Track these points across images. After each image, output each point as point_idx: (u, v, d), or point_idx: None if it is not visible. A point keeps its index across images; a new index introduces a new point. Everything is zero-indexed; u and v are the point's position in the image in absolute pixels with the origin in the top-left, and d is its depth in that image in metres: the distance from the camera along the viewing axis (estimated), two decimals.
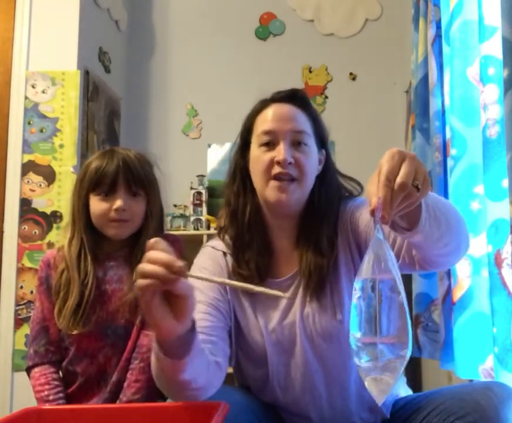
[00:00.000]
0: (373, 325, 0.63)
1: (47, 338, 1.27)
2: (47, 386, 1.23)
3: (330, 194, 1.06)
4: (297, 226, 1.06)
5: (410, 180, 0.64)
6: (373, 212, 0.64)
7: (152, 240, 0.71)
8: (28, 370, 1.27)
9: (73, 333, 1.23)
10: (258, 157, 1.02)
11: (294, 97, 1.05)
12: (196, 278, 0.74)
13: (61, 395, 1.24)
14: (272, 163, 1.00)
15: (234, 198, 1.09)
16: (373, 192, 0.65)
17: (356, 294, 0.65)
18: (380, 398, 0.64)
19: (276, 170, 0.99)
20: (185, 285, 0.70)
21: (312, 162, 1.03)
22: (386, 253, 0.64)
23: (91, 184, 1.24)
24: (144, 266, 0.68)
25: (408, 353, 0.63)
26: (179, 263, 0.68)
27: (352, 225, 1.02)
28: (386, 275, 0.64)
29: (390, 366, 0.63)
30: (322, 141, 1.08)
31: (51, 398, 1.22)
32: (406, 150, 0.67)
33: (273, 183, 0.99)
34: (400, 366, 0.63)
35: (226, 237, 1.10)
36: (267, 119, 1.03)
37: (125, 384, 1.20)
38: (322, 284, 1.00)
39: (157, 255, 0.69)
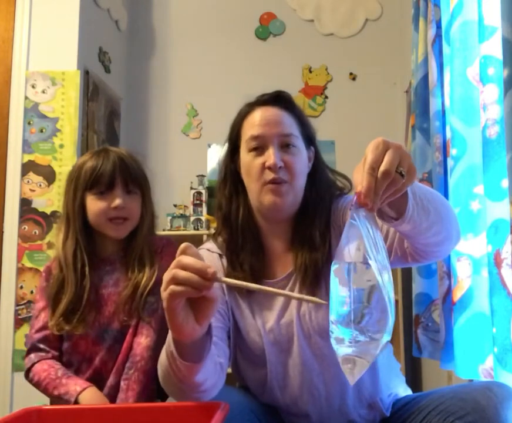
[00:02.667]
0: (348, 309, 0.64)
1: (47, 344, 1.26)
2: (52, 369, 1.22)
3: (321, 191, 1.07)
4: (291, 228, 1.07)
5: (394, 168, 0.65)
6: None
7: (184, 245, 0.71)
8: (27, 373, 1.25)
9: (63, 332, 1.23)
10: (249, 163, 1.03)
11: (279, 99, 1.06)
12: (230, 284, 0.73)
13: (68, 371, 1.22)
14: (263, 168, 1.01)
15: (226, 202, 1.10)
16: (359, 180, 0.66)
17: (332, 277, 0.67)
18: (352, 379, 0.66)
19: (269, 176, 1.00)
20: (213, 288, 0.70)
21: (302, 162, 1.05)
22: (362, 239, 0.65)
23: (88, 183, 1.24)
24: (178, 272, 0.68)
25: (384, 337, 0.64)
26: (212, 269, 0.68)
27: (345, 223, 1.03)
28: (358, 259, 0.65)
29: (364, 350, 0.64)
30: (309, 139, 1.09)
31: (59, 373, 1.20)
32: (391, 140, 0.68)
33: (267, 187, 1.01)
34: (375, 350, 0.64)
35: (220, 239, 1.11)
36: (254, 124, 1.04)
37: (120, 394, 1.20)
38: (317, 279, 1.00)
39: (190, 261, 0.68)
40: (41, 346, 1.26)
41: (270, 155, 1.00)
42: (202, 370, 0.79)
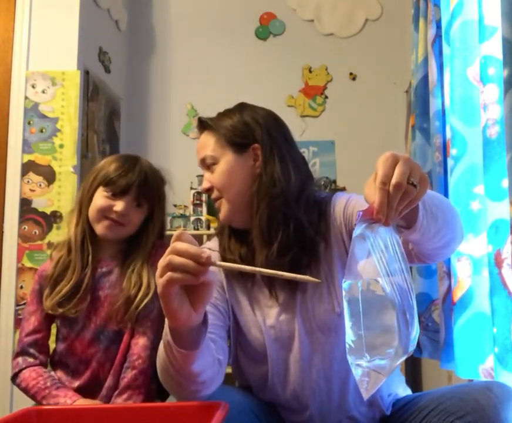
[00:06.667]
0: (358, 325, 0.65)
1: (36, 349, 1.27)
2: (40, 378, 1.22)
3: (270, 185, 1.03)
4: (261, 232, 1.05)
5: (405, 179, 0.65)
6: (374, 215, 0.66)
7: (179, 231, 0.73)
8: (14, 377, 1.26)
9: (56, 313, 1.25)
10: None
11: (201, 125, 1.13)
12: (224, 267, 0.75)
13: (57, 381, 1.24)
14: None
15: None
16: (371, 195, 0.66)
17: (343, 294, 0.67)
18: (366, 392, 0.65)
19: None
20: (209, 272, 0.71)
21: (227, 171, 1.06)
22: (374, 255, 0.65)
23: (105, 179, 1.26)
24: (173, 258, 0.69)
25: (400, 352, 0.64)
26: (206, 254, 0.69)
27: (346, 220, 1.03)
28: (366, 274, 0.65)
29: (379, 364, 0.64)
30: (241, 142, 1.07)
31: (48, 383, 1.21)
32: (399, 153, 0.68)
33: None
34: (390, 364, 0.64)
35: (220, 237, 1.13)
36: None
37: (116, 392, 1.21)
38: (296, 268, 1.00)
39: (184, 246, 0.70)
40: (31, 351, 1.27)
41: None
42: (199, 359, 0.79)
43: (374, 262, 0.65)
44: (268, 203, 1.02)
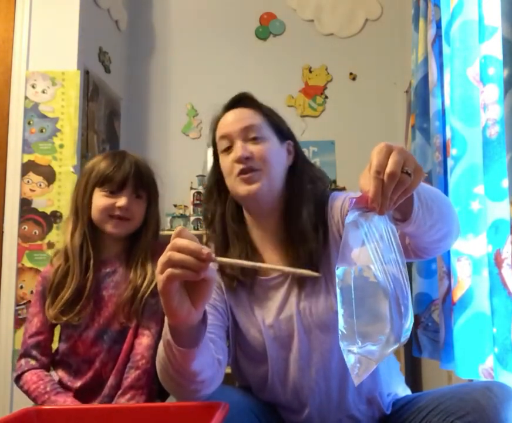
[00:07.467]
0: (350, 311, 0.65)
1: (39, 351, 1.28)
2: (41, 381, 1.23)
3: (304, 182, 1.09)
4: (279, 224, 1.08)
5: (399, 169, 0.66)
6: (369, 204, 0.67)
7: (179, 228, 0.73)
8: (17, 379, 1.27)
9: (60, 322, 1.25)
10: (222, 162, 1.08)
11: (242, 100, 1.11)
12: (225, 263, 0.75)
13: (56, 386, 1.24)
14: (233, 163, 1.04)
15: (213, 211, 1.13)
16: (366, 185, 0.67)
17: (336, 281, 0.68)
18: (357, 379, 0.66)
19: (238, 168, 1.03)
20: (209, 269, 0.71)
21: (273, 151, 1.06)
22: (367, 243, 0.66)
23: (99, 179, 1.26)
24: (173, 254, 0.69)
25: (391, 339, 0.64)
26: (206, 250, 0.69)
27: (343, 218, 1.04)
28: (359, 262, 0.66)
29: (370, 350, 0.65)
30: (283, 133, 1.11)
31: (48, 388, 1.22)
32: (393, 143, 0.69)
33: (238, 179, 1.04)
34: (381, 351, 0.64)
35: (212, 245, 1.12)
36: (221, 126, 1.09)
37: (119, 392, 1.21)
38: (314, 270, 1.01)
39: (184, 242, 0.70)
40: (34, 352, 1.27)
41: (237, 149, 1.04)
42: (198, 358, 0.79)
43: (368, 250, 0.65)
44: (301, 195, 1.07)
